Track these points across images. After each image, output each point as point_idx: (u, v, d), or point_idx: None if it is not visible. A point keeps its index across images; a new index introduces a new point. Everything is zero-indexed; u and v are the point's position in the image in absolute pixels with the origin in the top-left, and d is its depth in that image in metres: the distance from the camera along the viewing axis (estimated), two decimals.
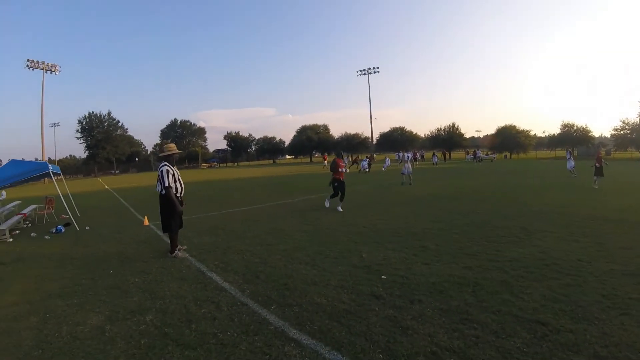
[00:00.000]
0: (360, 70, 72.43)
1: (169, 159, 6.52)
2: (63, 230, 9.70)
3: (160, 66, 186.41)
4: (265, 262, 5.76)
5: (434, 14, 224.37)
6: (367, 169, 31.00)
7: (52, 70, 53.93)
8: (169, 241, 6.62)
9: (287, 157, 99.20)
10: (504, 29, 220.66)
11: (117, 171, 73.37)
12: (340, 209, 10.52)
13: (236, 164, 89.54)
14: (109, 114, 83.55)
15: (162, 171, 6.30)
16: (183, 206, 6.49)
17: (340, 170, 10.83)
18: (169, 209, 6.32)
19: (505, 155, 68.03)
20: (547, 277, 4.62)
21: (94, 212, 13.28)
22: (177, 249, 6.51)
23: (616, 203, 10.38)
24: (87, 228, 9.91)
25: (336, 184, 10.65)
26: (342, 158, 11.48)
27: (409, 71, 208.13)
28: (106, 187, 29.38)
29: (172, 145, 6.75)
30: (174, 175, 6.36)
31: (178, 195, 6.39)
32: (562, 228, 7.36)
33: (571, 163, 21.29)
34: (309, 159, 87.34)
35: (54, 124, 77.52)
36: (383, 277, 4.82)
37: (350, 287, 4.51)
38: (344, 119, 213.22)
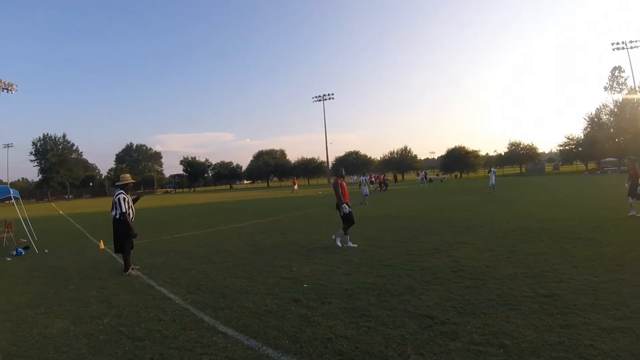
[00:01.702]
0: (316, 97, 74.67)
1: (124, 187, 7.40)
2: (23, 253, 10.22)
3: (118, 88, 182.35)
4: (208, 277, 6.67)
5: (386, 41, 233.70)
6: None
7: (9, 89, 52.55)
8: (122, 261, 7.38)
9: (245, 182, 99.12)
10: (456, 52, 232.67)
11: (70, 196, 71.01)
12: (352, 244, 8.77)
13: (193, 189, 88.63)
14: (64, 136, 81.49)
15: (118, 198, 7.20)
16: (135, 235, 7.40)
17: (345, 192, 9.01)
18: (124, 233, 7.19)
19: (456, 175, 71.75)
20: (450, 281, 5.40)
21: (52, 236, 13.87)
22: (131, 267, 7.30)
23: (542, 214, 11.91)
24: (46, 251, 10.49)
25: (347, 211, 8.76)
26: (344, 177, 9.62)
27: (364, 96, 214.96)
28: (61, 212, 29.05)
29: (128, 175, 7.75)
30: (128, 202, 7.21)
31: (131, 220, 7.23)
32: (481, 239, 8.47)
33: (492, 180, 24.21)
34: (266, 184, 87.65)
35: (7, 144, 74.45)
36: (305, 285, 5.78)
37: (275, 294, 5.46)
38: (302, 144, 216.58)
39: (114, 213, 7.31)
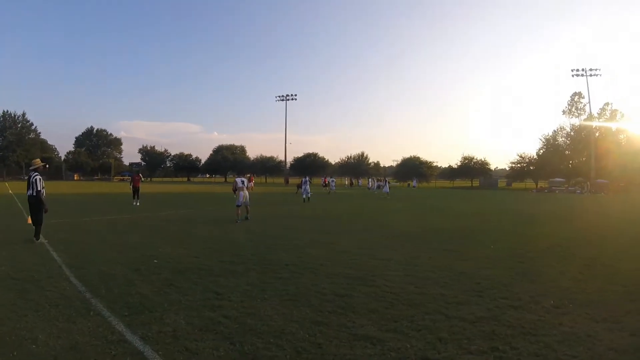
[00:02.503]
0: (279, 96, 76.34)
1: (38, 169, 9.28)
2: None
3: (84, 67, 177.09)
4: (92, 249, 8.54)
5: (356, 48, 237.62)
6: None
7: None
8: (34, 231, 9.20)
9: (207, 176, 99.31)
10: (422, 61, 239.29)
11: (25, 177, 69.69)
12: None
13: (149, 179, 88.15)
14: (24, 114, 79.39)
15: (36, 179, 9.00)
16: (47, 210, 9.26)
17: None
18: (40, 207, 9.03)
19: (408, 184, 74.78)
20: (272, 271, 6.51)
21: None
22: (39, 238, 9.09)
23: (434, 223, 13.95)
24: None
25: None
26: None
27: (331, 101, 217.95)
28: (10, 191, 29.89)
29: (38, 160, 9.69)
30: (42, 182, 9.09)
31: (43, 197, 9.09)
32: (355, 242, 9.57)
33: (386, 189, 30.66)
34: (223, 179, 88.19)
35: None
36: (155, 261, 7.44)
37: (128, 264, 7.07)
38: (268, 142, 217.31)
39: (30, 191, 9.05)
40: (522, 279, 6.06)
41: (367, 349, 3.59)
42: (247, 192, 13.74)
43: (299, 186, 26.80)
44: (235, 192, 13.52)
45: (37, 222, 9.12)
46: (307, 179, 27.34)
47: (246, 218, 13.66)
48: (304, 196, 24.60)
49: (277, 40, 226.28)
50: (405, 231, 11.65)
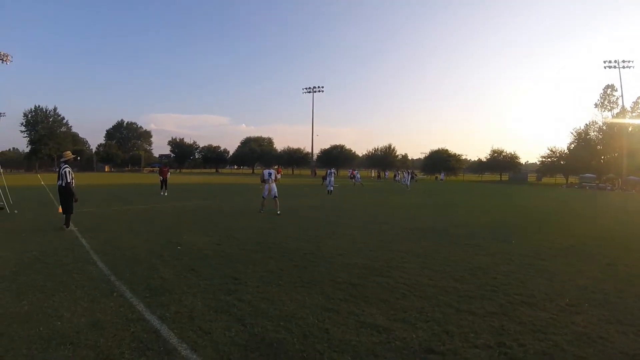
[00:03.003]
0: (306, 88, 76.31)
1: (68, 161, 9.68)
2: None
3: (115, 64, 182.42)
4: (115, 236, 8.86)
5: (384, 40, 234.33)
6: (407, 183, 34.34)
7: (4, 59, 53.72)
8: (64, 219, 9.68)
9: (235, 167, 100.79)
10: (457, 57, 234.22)
11: (57, 169, 72.74)
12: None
13: (179, 170, 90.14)
14: (55, 109, 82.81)
15: (65, 171, 9.44)
16: (77, 200, 9.74)
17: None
18: (69, 197, 9.48)
19: (436, 177, 73.55)
20: (290, 259, 6.75)
21: (25, 202, 16.35)
22: (69, 226, 9.57)
23: (458, 218, 13.79)
24: (16, 211, 12.86)
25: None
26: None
27: (357, 93, 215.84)
28: (42, 183, 31.24)
29: (68, 152, 10.11)
30: (71, 174, 9.54)
31: (73, 187, 9.56)
32: (375, 234, 9.72)
33: (406, 180, 30.94)
34: (251, 171, 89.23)
35: (0, 113, 75.71)
36: (179, 247, 7.76)
37: (153, 250, 7.45)
38: (294, 134, 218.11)
39: (60, 182, 9.51)
40: (540, 276, 5.93)
41: (373, 337, 3.67)
42: (274, 185, 13.54)
43: (324, 178, 26.74)
44: (262, 182, 13.64)
45: (67, 211, 9.58)
46: (332, 170, 27.14)
47: (277, 212, 13.09)
48: (328, 188, 24.39)
49: (306, 34, 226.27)
50: (427, 225, 11.51)
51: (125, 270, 5.93)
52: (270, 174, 13.67)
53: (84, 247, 7.61)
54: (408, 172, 38.83)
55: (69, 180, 9.40)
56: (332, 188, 24.98)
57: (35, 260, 6.51)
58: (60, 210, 12.14)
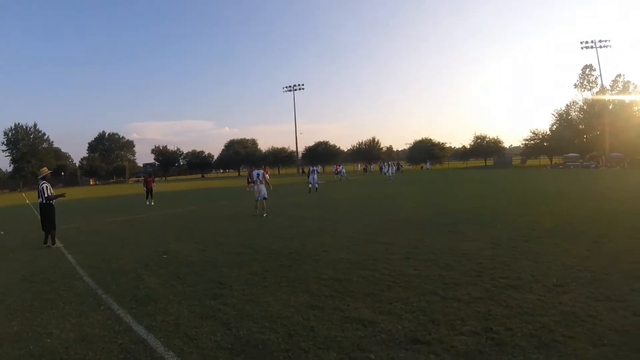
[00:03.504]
0: (286, 87, 75.96)
1: (45, 177, 9.52)
2: None
3: (91, 73, 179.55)
4: (104, 249, 8.80)
5: (363, 32, 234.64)
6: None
7: None
8: (50, 237, 9.49)
9: (221, 171, 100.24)
10: (431, 42, 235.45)
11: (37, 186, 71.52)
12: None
13: (164, 178, 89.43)
14: (35, 125, 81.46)
15: (43, 187, 9.28)
16: (64, 195, 9.80)
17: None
18: (50, 214, 9.30)
19: (422, 167, 74.08)
20: (275, 260, 6.93)
21: (11, 222, 16.32)
22: (55, 242, 9.42)
23: (442, 206, 13.91)
24: (1, 232, 12.68)
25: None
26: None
27: (338, 88, 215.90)
28: (27, 201, 30.73)
29: (44, 168, 9.97)
30: (50, 189, 9.38)
31: (52, 195, 9.38)
32: (360, 228, 9.80)
33: (390, 173, 30.92)
34: (237, 173, 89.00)
35: None
36: (164, 256, 7.64)
37: (138, 260, 7.40)
38: (278, 133, 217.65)
39: (40, 199, 9.33)
40: (525, 258, 5.96)
41: (358, 331, 3.68)
42: (263, 186, 13.16)
43: (308, 175, 26.64)
44: (248, 184, 13.48)
45: (49, 228, 9.38)
46: (315, 168, 26.86)
47: (263, 216, 12.78)
48: (310, 186, 23.93)
49: (281, 31, 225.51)
50: (412, 215, 11.56)
51: (111, 283, 5.90)
52: (258, 175, 13.34)
53: (70, 263, 7.54)
54: (389, 164, 38.90)
55: (47, 195, 9.23)
56: (317, 185, 24.71)
57: (23, 279, 6.45)
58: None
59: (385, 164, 46.74)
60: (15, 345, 3.76)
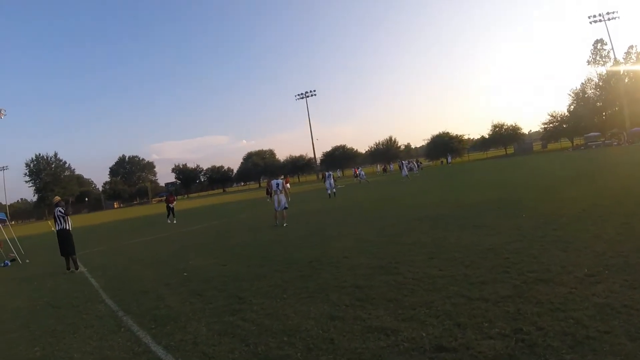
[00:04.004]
0: (298, 95, 76.23)
1: (59, 204, 9.70)
2: (9, 264, 12.88)
3: (108, 99, 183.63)
4: (126, 270, 8.91)
5: (371, 32, 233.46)
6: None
7: None
8: (72, 262, 9.69)
9: (242, 184, 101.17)
10: (438, 32, 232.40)
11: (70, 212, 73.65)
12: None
13: (186, 195, 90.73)
14: (55, 155, 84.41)
15: (56, 215, 9.61)
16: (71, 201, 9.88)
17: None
18: (69, 239, 9.57)
19: (442, 162, 72.91)
20: (295, 269, 6.77)
21: (36, 250, 16.54)
22: (78, 267, 9.60)
23: (464, 199, 13.56)
24: (27, 261, 13.09)
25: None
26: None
27: (350, 90, 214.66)
28: (53, 229, 31.45)
29: (57, 197, 10.44)
30: (64, 216, 9.65)
31: (69, 228, 9.65)
32: (381, 230, 10.23)
33: (404, 172, 29.85)
34: (257, 185, 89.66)
35: (2, 167, 76.75)
36: (185, 274, 7.51)
37: (160, 279, 7.41)
38: (295, 140, 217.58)
39: (58, 227, 9.54)
40: (554, 248, 5.67)
41: (380, 341, 3.50)
42: (282, 196, 13.04)
43: (324, 179, 26.43)
44: (269, 195, 13.48)
45: (69, 253, 9.58)
46: (330, 173, 26.53)
47: (283, 225, 12.71)
48: (329, 192, 23.50)
49: (291, 40, 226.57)
50: (434, 212, 11.19)
51: (132, 304, 5.91)
52: (277, 185, 13.17)
53: (93, 287, 7.63)
54: (401, 163, 38.07)
55: (61, 223, 9.58)
56: (334, 190, 24.29)
57: (47, 305, 6.59)
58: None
59: (400, 163, 45.86)
60: None
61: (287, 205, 13.32)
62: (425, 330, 3.57)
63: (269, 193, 13.05)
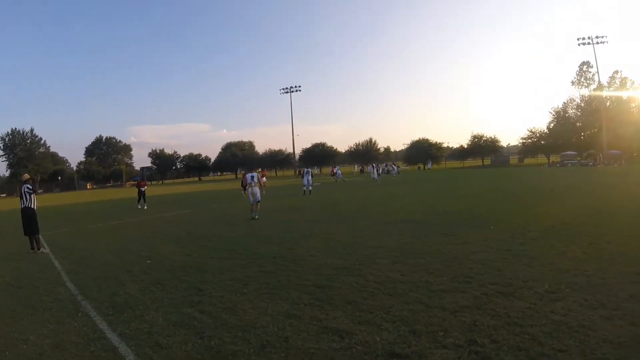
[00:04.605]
0: (283, 89, 75.84)
1: (27, 182, 9.41)
2: None
3: (88, 78, 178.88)
4: (91, 254, 8.69)
5: (359, 34, 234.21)
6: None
7: None
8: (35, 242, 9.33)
9: (219, 174, 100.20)
10: (425, 41, 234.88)
11: (40, 190, 71.54)
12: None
13: (161, 181, 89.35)
14: (32, 130, 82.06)
15: (23, 190, 9.22)
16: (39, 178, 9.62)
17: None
18: (32, 218, 9.14)
19: (419, 167, 74.02)
20: (259, 265, 6.86)
21: (3, 226, 16.37)
22: (42, 248, 9.31)
23: (437, 207, 13.61)
24: None
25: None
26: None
27: (336, 90, 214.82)
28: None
29: (26, 174, 9.96)
30: (31, 193, 9.26)
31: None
32: (350, 231, 9.99)
33: (374, 174, 31.26)
34: (234, 176, 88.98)
35: None
36: (148, 261, 7.33)
37: (122, 266, 7.17)
38: (276, 135, 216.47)
39: (23, 204, 9.20)
40: (518, 262, 5.71)
41: (334, 343, 3.48)
42: (257, 189, 13.20)
43: (302, 175, 26.33)
44: (244, 188, 13.39)
45: (33, 232, 9.23)
46: (308, 169, 26.23)
47: (255, 218, 12.81)
48: (304, 188, 23.26)
49: (279, 33, 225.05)
50: (405, 217, 11.24)
51: (93, 289, 5.80)
52: (252, 177, 13.27)
53: (56, 269, 7.43)
54: (372, 165, 38.55)
55: (27, 204, 9.18)
56: (311, 187, 24.11)
57: (8, 285, 6.40)
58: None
59: (370, 166, 44.97)
60: None
61: (259, 199, 13.33)
62: (380, 335, 3.56)
63: (243, 186, 12.92)
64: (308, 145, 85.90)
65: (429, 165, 68.75)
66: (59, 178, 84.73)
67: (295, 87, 74.32)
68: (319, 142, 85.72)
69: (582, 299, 4.07)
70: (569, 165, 50.38)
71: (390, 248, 7.30)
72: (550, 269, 5.30)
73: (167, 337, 3.81)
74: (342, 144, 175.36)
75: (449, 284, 4.95)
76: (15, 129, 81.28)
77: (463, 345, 3.26)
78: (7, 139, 79.68)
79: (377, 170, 34.93)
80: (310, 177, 24.44)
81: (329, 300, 4.61)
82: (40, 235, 9.44)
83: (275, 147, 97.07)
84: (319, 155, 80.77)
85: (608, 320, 3.50)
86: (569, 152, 58.68)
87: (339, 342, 3.49)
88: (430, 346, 3.30)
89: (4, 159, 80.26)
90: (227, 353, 3.41)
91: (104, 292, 5.58)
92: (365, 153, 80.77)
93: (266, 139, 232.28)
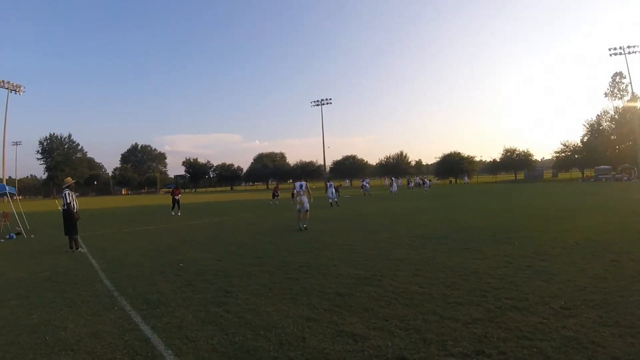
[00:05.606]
0: (314, 101, 76.42)
1: (69, 186, 10.16)
2: (15, 237, 13.44)
3: (127, 88, 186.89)
4: (126, 255, 9.30)
5: (390, 46, 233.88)
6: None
7: (17, 90, 55.79)
8: (74, 242, 10.07)
9: (250, 184, 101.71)
10: (457, 55, 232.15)
11: (76, 194, 74.64)
12: None
13: (194, 190, 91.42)
14: (69, 136, 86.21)
15: (64, 194, 9.96)
16: (79, 218, 10.09)
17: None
18: (70, 219, 9.83)
19: (450, 181, 72.72)
20: (284, 272, 7.37)
21: (41, 226, 17.32)
22: (79, 247, 9.95)
23: (463, 221, 13.50)
24: (32, 236, 13.71)
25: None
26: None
27: (366, 102, 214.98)
28: (59, 208, 32.05)
29: (69, 178, 10.71)
30: (72, 196, 10.02)
31: (75, 210, 9.89)
32: (374, 243, 10.37)
33: (394, 188, 31.76)
34: (265, 186, 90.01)
35: (16, 142, 78.16)
36: (180, 264, 7.76)
37: (155, 268, 7.66)
38: (307, 146, 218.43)
39: (63, 206, 10.00)
40: (537, 278, 5.73)
41: (348, 345, 3.71)
42: (305, 198, 13.08)
43: (326, 188, 26.58)
44: (293, 197, 13.59)
45: (72, 233, 9.96)
46: (331, 183, 26.77)
47: (303, 228, 12.81)
48: (330, 200, 23.94)
49: (311, 46, 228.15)
50: (430, 231, 11.30)
51: (128, 287, 6.25)
52: (301, 186, 13.34)
53: (93, 267, 8.04)
54: (392, 179, 38.20)
55: (68, 202, 9.89)
56: (336, 199, 24.62)
57: (47, 279, 6.99)
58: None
59: (388, 179, 44.35)
60: (32, 335, 4.18)
61: (308, 208, 13.32)
62: (392, 341, 3.75)
63: (293, 195, 13.22)
64: (338, 158, 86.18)
65: (466, 180, 67.34)
66: (95, 183, 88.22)
67: (326, 99, 74.76)
68: (349, 154, 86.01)
69: (597, 316, 4.05)
70: (603, 179, 48.54)
71: (411, 261, 7.43)
72: (568, 285, 5.31)
73: (196, 332, 4.15)
74: (372, 157, 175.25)
75: (465, 297, 5.06)
76: (54, 133, 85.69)
77: (470, 355, 3.38)
78: (45, 143, 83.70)
79: (396, 184, 34.86)
80: (333, 189, 25.12)
81: (347, 307, 4.84)
82: (78, 236, 10.16)
83: (306, 158, 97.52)
84: (349, 167, 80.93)
85: (620, 338, 3.48)
86: (603, 167, 56.54)
87: (353, 344, 3.72)
88: (439, 354, 3.44)
89: (42, 162, 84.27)
90: (249, 348, 3.71)
91: (138, 290, 6.03)
92: (396, 166, 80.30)
93: (297, 151, 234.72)
